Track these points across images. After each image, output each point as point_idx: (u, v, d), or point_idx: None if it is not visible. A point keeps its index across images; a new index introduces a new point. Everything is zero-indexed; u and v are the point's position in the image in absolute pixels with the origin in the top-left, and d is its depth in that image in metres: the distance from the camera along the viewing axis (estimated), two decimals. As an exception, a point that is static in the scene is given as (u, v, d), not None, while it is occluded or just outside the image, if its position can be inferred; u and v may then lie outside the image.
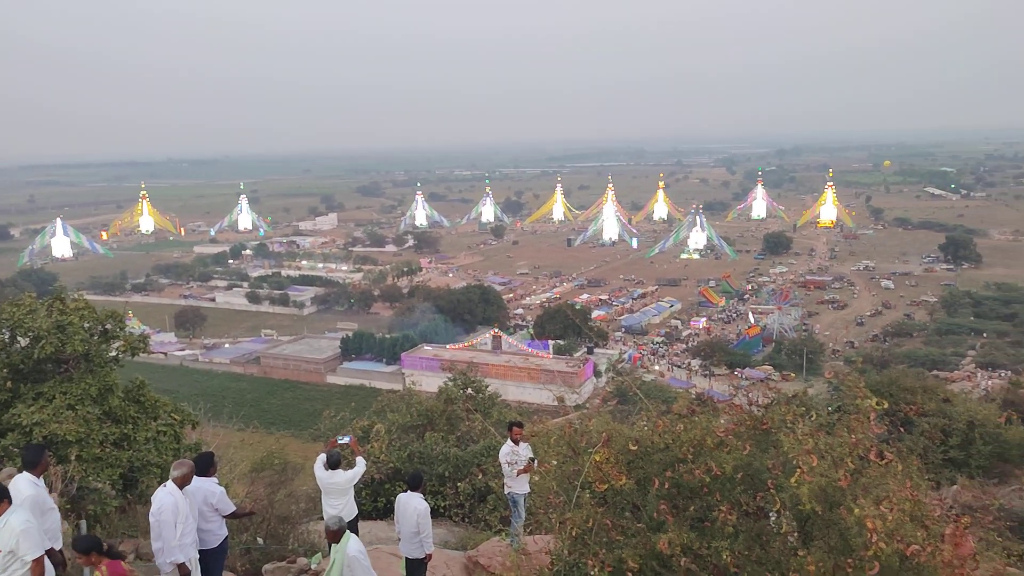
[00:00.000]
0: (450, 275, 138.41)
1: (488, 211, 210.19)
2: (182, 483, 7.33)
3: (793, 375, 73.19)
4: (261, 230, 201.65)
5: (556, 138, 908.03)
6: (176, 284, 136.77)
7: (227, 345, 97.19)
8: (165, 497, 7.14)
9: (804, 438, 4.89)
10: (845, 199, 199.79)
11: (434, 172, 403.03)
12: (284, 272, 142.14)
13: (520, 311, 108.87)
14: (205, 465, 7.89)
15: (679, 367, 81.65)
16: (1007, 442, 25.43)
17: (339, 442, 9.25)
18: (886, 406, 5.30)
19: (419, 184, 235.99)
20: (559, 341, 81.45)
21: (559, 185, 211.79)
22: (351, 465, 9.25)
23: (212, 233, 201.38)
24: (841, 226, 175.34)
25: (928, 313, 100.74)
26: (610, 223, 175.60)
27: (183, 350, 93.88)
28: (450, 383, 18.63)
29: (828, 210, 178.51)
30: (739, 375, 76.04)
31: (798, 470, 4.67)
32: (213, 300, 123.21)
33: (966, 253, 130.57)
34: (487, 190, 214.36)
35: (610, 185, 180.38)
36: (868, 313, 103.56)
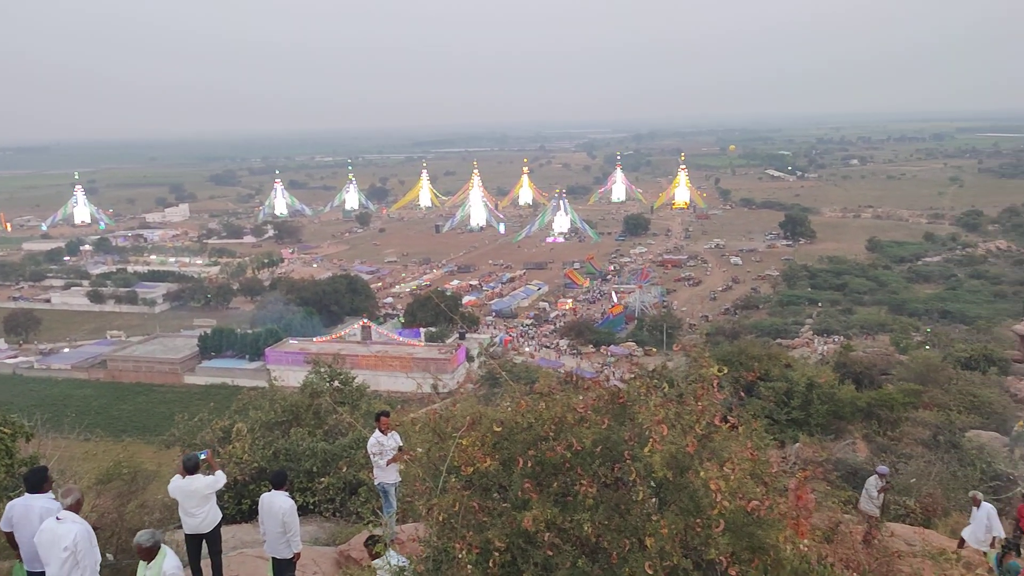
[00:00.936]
0: (314, 265, 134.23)
1: (352, 198, 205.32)
2: (78, 509, 7.02)
3: (655, 350, 76.98)
4: (101, 223, 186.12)
5: (421, 124, 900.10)
6: (3, 285, 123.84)
7: (67, 349, 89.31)
8: (73, 527, 6.75)
9: (656, 409, 5.15)
10: (696, 181, 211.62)
11: (293, 159, 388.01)
12: (130, 268, 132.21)
13: (390, 300, 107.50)
14: (38, 481, 7.27)
15: (548, 348, 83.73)
16: (840, 400, 28.11)
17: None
18: (726, 372, 5.66)
19: (278, 172, 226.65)
20: (430, 328, 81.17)
21: (425, 171, 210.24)
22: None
23: (44, 228, 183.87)
24: (694, 207, 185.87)
25: (772, 286, 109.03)
26: (477, 209, 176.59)
27: (15, 357, 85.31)
28: (315, 376, 18.11)
29: (682, 192, 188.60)
30: (605, 353, 79.05)
31: (651, 440, 4.91)
32: (48, 301, 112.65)
33: (802, 230, 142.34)
34: (350, 177, 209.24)
35: (476, 171, 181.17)
36: (720, 288, 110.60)
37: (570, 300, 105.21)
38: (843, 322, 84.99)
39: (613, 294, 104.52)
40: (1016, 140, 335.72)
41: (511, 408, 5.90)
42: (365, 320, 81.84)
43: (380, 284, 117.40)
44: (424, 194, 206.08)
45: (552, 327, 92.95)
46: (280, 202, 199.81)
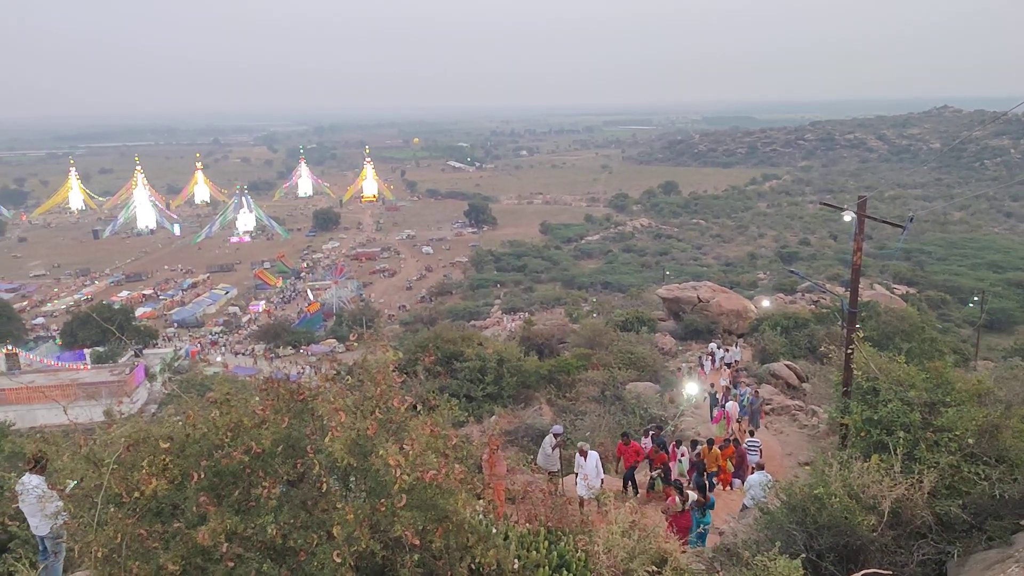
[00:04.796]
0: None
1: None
2: None
3: (356, 344, 76.68)
4: None
5: (63, 114, 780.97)
6: None
7: None
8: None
9: (335, 399, 5.11)
10: (383, 174, 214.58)
11: None
12: None
13: (41, 320, 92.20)
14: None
15: (243, 355, 78.82)
16: (527, 371, 30.76)
17: None
18: (400, 355, 5.83)
19: None
20: (98, 348, 71.30)
21: (73, 169, 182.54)
22: None
23: None
24: (383, 199, 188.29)
25: (462, 272, 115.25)
26: (144, 209, 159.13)
27: None
28: (-62, 421, 14.88)
29: (370, 185, 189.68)
30: (305, 353, 76.74)
31: (331, 429, 4.87)
32: None
33: (485, 217, 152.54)
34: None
35: (139, 167, 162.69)
36: (415, 277, 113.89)
37: (263, 302, 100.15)
38: (526, 299, 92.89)
39: (309, 292, 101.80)
40: (648, 131, 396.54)
41: (181, 422, 5.42)
42: (9, 347, 69.08)
43: (26, 303, 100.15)
44: (75, 195, 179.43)
45: (245, 332, 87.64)
46: None
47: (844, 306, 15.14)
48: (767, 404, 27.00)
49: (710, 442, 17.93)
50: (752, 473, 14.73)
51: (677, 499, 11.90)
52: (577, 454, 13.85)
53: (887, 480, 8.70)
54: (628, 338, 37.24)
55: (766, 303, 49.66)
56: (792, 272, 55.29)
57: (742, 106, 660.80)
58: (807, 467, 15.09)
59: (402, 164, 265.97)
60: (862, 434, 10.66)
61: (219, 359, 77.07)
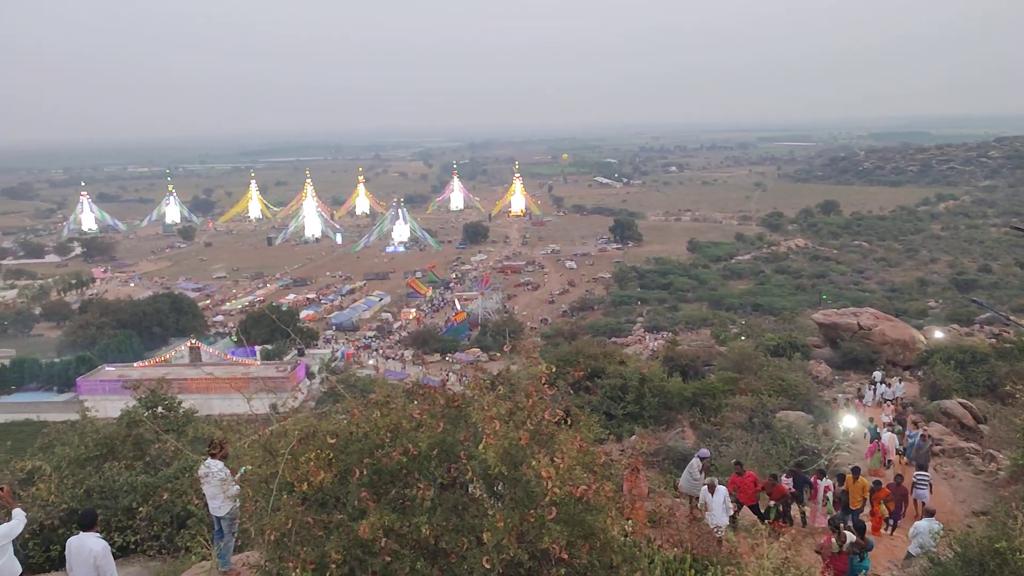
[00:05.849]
0: (132, 284, 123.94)
1: (173, 211, 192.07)
2: None
3: (499, 355, 78.18)
4: None
5: (246, 131, 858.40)
6: None
7: None
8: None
9: (489, 406, 5.25)
10: (531, 189, 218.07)
11: (102, 170, 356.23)
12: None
13: (220, 318, 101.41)
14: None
15: (393, 359, 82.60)
16: (669, 392, 29.94)
17: None
18: (554, 370, 5.89)
19: (84, 183, 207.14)
20: (267, 346, 77.37)
21: (253, 181, 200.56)
22: (8, 518, 7.83)
23: None
24: (529, 214, 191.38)
25: (605, 288, 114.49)
26: (312, 219, 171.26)
27: None
28: (136, 404, 16.75)
29: (518, 200, 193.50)
30: (451, 360, 79.22)
31: (485, 436, 5.00)
32: None
33: (630, 233, 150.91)
34: (170, 188, 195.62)
35: (308, 180, 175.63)
36: (557, 292, 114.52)
37: (413, 310, 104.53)
38: (670, 319, 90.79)
39: (456, 302, 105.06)
40: (807, 148, 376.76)
41: (346, 420, 5.78)
42: (193, 340, 76.58)
43: (209, 301, 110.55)
44: (253, 205, 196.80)
45: (396, 338, 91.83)
46: (88, 217, 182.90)
47: (1036, 342, 13.62)
48: (936, 445, 24.63)
49: (855, 471, 15.92)
50: (920, 517, 13.50)
51: (834, 539, 11.13)
52: (705, 488, 13.19)
53: (1085, 540, 7.69)
54: (779, 364, 35.26)
55: (938, 334, 45.47)
56: (973, 301, 50.11)
57: (915, 121, 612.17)
58: (983, 517, 13.66)
59: (550, 180, 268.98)
60: (1055, 486, 9.51)
61: (371, 362, 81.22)
